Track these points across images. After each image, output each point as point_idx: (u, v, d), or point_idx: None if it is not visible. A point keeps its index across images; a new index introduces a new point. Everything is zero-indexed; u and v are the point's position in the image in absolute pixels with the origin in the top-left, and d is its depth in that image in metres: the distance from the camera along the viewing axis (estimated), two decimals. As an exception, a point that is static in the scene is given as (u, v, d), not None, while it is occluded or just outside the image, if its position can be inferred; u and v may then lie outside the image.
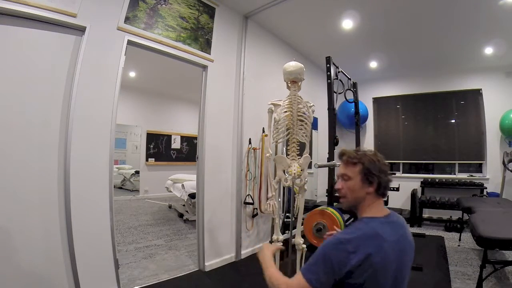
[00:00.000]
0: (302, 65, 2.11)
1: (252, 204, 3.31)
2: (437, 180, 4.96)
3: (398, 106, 5.72)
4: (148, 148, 7.16)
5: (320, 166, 2.85)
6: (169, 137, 7.63)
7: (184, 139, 7.97)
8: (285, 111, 2.07)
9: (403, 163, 5.56)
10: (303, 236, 2.23)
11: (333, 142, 3.25)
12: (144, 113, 7.15)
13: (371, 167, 0.94)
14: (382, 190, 0.96)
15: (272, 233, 2.50)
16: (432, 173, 5.42)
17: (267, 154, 2.17)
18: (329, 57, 3.32)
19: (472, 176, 4.90)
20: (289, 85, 2.13)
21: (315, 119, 4.33)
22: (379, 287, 0.85)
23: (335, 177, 2.33)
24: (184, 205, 4.92)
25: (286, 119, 2.06)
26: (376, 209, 0.96)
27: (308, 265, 0.89)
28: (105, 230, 2.13)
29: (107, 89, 2.20)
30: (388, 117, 5.81)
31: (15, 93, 1.81)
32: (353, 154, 0.98)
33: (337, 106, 3.44)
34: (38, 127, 1.90)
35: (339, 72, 3.56)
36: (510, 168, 4.28)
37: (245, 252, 3.24)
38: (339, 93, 3.60)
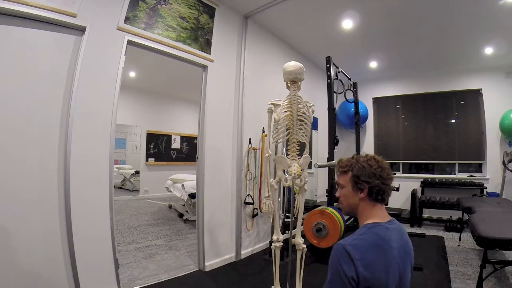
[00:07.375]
0: (302, 65, 2.11)
1: (252, 204, 3.31)
2: (437, 180, 4.96)
3: (398, 106, 5.72)
4: (148, 148, 7.16)
5: (320, 166, 2.85)
6: (169, 137, 7.63)
7: (184, 139, 7.98)
8: (285, 111, 2.07)
9: (403, 163, 5.56)
10: (303, 236, 2.23)
11: (333, 142, 3.25)
12: (144, 113, 7.15)
13: (360, 173, 0.97)
14: (375, 195, 0.95)
15: (272, 233, 2.50)
16: (432, 173, 5.42)
17: (267, 154, 2.17)
18: (329, 57, 3.32)
19: (472, 176, 4.90)
20: (289, 85, 2.13)
21: (315, 119, 4.33)
22: None
23: (335, 177, 2.33)
24: (184, 205, 4.93)
25: (286, 119, 2.06)
26: (377, 215, 0.96)
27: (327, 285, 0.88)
28: (105, 230, 2.13)
29: (107, 89, 2.20)
30: (388, 117, 5.81)
31: (15, 93, 1.81)
32: (344, 162, 1.03)
33: (337, 106, 3.44)
34: (38, 127, 1.90)
35: (339, 72, 3.56)
36: (510, 168, 4.27)
37: (245, 252, 3.24)
38: (339, 93, 3.60)
